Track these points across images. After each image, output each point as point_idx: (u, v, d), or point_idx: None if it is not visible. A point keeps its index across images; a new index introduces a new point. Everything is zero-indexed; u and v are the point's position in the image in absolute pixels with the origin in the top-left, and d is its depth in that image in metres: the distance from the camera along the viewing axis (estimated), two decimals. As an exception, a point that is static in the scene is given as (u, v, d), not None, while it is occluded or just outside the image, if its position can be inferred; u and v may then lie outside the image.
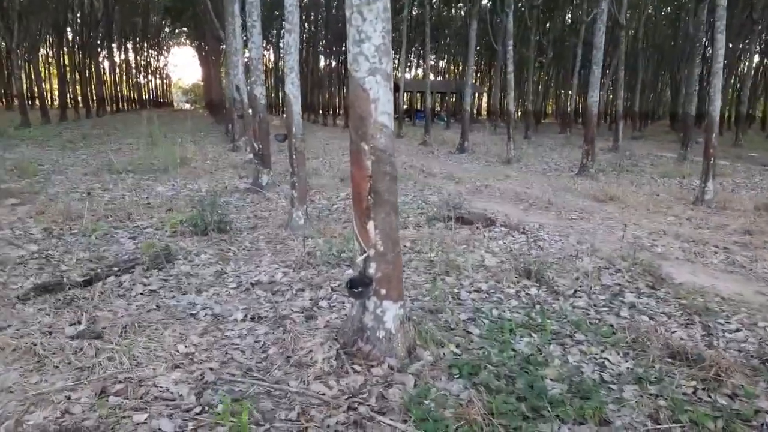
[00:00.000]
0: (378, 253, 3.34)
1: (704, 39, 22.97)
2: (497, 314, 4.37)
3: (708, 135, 9.84)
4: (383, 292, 3.38)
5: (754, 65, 32.58)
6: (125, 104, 51.45)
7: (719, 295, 4.87)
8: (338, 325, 3.87)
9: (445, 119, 37.20)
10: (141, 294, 4.44)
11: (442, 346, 3.59)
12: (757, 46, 30.96)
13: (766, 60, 36.96)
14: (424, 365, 3.34)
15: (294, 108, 6.50)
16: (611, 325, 4.17)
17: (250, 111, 11.24)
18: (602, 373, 3.43)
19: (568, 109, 36.53)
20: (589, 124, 13.01)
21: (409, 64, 45.63)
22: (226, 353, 3.50)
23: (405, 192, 9.82)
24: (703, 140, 10.04)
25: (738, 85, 33.62)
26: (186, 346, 3.54)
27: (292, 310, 4.23)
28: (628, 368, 3.47)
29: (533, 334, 3.97)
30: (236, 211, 7.92)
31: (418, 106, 45.65)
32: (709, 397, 3.14)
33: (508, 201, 9.94)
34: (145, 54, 58.50)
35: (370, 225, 3.30)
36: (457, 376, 3.25)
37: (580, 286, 5.00)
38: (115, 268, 4.82)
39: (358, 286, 3.36)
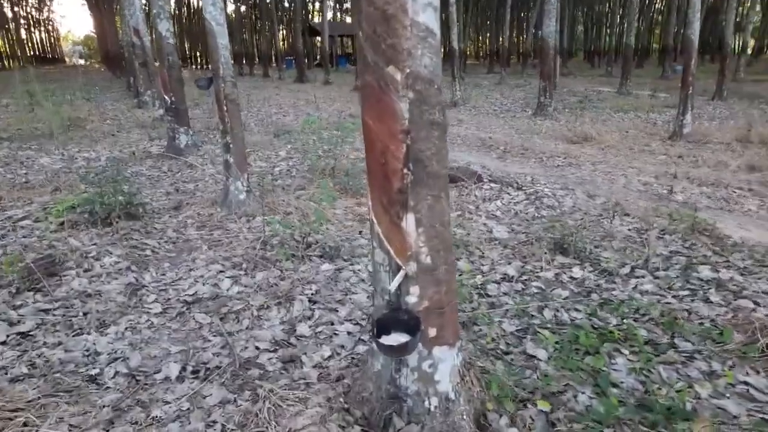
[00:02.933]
0: (423, 268, 1.86)
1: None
2: (551, 316, 3.07)
3: (687, 62, 8.88)
4: (432, 333, 1.94)
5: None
6: (3, 62, 45.19)
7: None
8: (343, 374, 2.40)
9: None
10: (2, 345, 2.73)
11: (524, 403, 2.22)
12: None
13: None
14: (510, 450, 1.97)
15: (219, 41, 4.70)
16: (713, 321, 2.97)
17: (156, 59, 9.09)
18: (763, 415, 2.21)
19: (499, 47, 35.46)
20: (545, 59, 11.82)
21: (330, 5, 42.60)
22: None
23: (359, 147, 8.26)
24: (682, 67, 9.10)
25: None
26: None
27: (257, 347, 2.70)
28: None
29: (623, 349, 2.70)
30: (150, 186, 6.08)
31: (339, 52, 43.08)
32: None
33: (476, 149, 8.63)
34: (25, 4, 51.42)
35: (409, 220, 1.80)
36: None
37: (635, 261, 3.76)
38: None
39: (394, 331, 1.89)
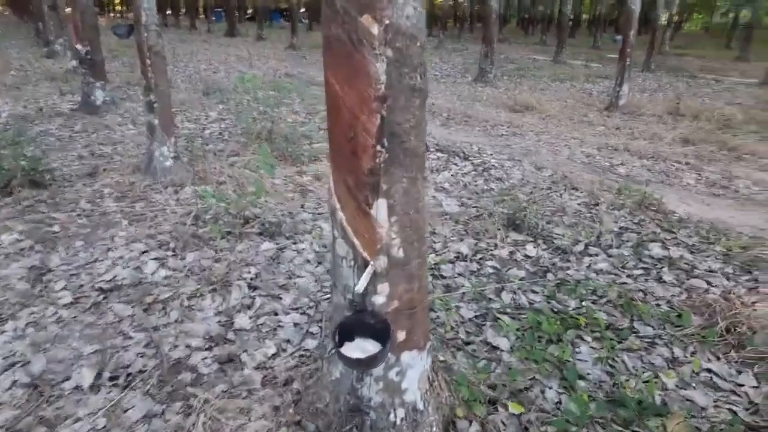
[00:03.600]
0: (394, 262, 1.58)
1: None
2: (509, 299, 2.90)
3: (626, 33, 8.92)
4: (401, 336, 1.68)
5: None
6: None
7: (741, 233, 3.85)
8: (291, 377, 2.11)
9: (304, 20, 33.80)
10: None
11: (494, 405, 2.02)
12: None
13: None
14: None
15: (138, -17, 4.09)
16: (669, 302, 2.91)
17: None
18: (734, 407, 2.14)
19: (436, 11, 34.97)
20: (488, 24, 11.62)
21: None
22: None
23: (298, 110, 7.77)
24: (621, 38, 9.14)
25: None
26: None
27: (189, 345, 2.35)
28: (757, 390, 2.23)
29: (585, 336, 2.57)
30: (60, 148, 5.39)
31: (273, 6, 41.09)
32: None
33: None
34: None
35: (380, 207, 1.51)
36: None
37: (587, 238, 3.67)
38: None
39: (358, 336, 1.61)
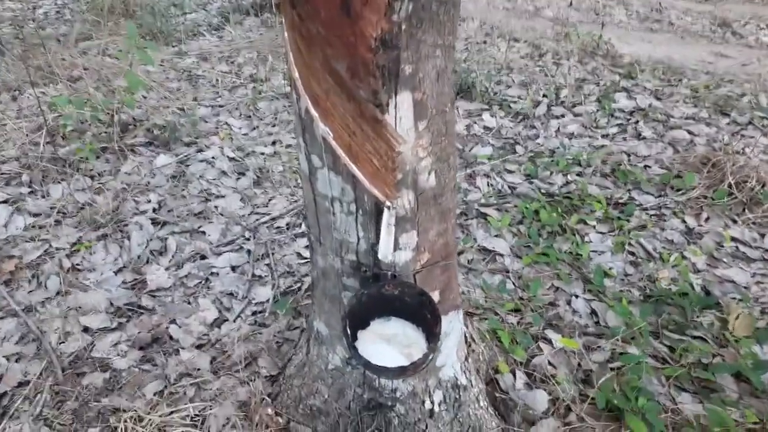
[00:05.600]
0: (426, 196, 0.95)
1: None
2: (486, 186, 2.41)
3: None
4: (435, 298, 1.09)
5: None
6: None
7: (696, 69, 3.54)
8: (252, 352, 1.50)
9: None
10: None
11: (536, 342, 1.56)
12: None
13: None
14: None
15: None
16: (658, 162, 2.56)
17: None
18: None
19: None
20: None
21: None
22: None
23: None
24: None
25: None
26: None
27: (87, 329, 1.63)
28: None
29: (588, 220, 2.15)
30: None
31: None
32: None
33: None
34: None
35: (402, 104, 0.83)
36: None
37: (547, 98, 3.17)
38: None
39: (379, 318, 1.00)
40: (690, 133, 2.76)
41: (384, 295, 0.98)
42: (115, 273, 1.81)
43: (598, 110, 3.02)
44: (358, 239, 0.97)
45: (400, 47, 0.79)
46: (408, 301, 0.98)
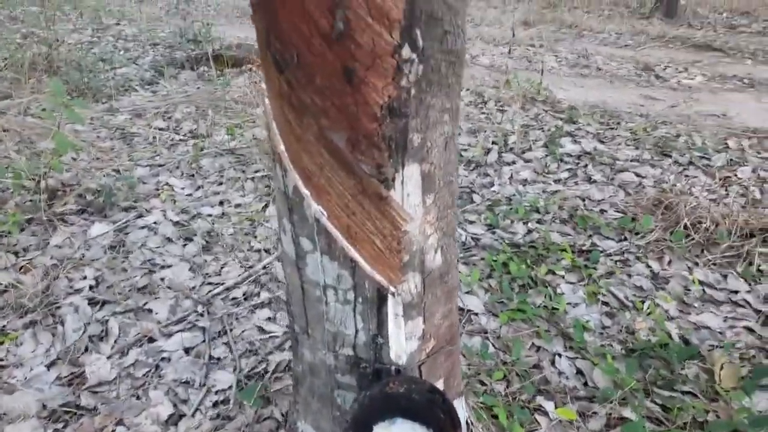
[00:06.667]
0: (432, 277, 0.83)
1: None
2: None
3: None
4: (439, 385, 0.96)
5: None
6: None
7: (630, 112, 3.70)
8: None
9: None
10: None
11: (532, 413, 1.45)
12: None
13: None
14: None
15: None
16: (612, 205, 2.59)
17: None
18: (746, 322, 1.87)
19: None
20: None
21: None
22: None
23: (76, 29, 5.99)
24: None
25: None
26: None
27: (16, 441, 1.38)
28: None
29: (556, 270, 2.11)
30: None
31: None
32: None
33: (238, 20, 7.03)
34: None
35: (410, 178, 0.73)
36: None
37: (496, 145, 3.19)
38: None
39: (382, 420, 0.86)
40: (637, 175, 2.83)
41: (388, 395, 0.85)
42: (48, 367, 1.57)
43: (546, 155, 3.06)
44: (356, 331, 0.84)
45: (408, 115, 0.69)
46: (416, 398, 0.86)
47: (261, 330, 1.77)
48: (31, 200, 2.36)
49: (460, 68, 0.75)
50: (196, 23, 5.79)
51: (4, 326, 1.70)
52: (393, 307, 0.79)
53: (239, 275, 2.04)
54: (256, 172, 2.90)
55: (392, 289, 0.79)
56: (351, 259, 0.78)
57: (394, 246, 0.77)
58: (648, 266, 2.16)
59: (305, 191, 0.77)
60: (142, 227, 2.31)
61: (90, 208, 2.39)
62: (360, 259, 0.78)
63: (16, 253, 2.05)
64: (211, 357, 1.64)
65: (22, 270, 1.96)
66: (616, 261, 2.18)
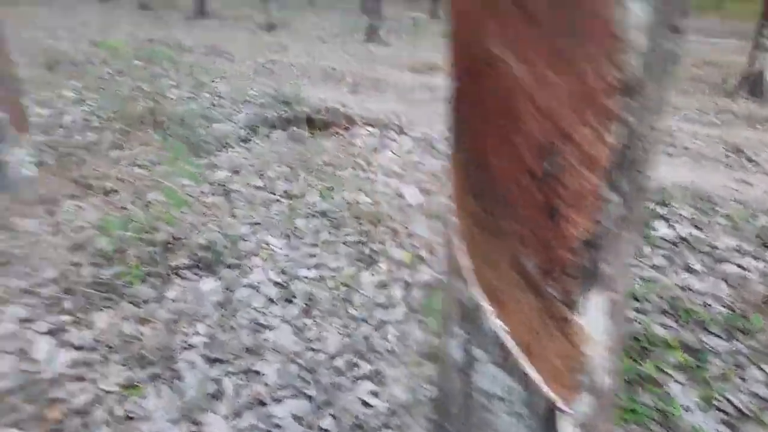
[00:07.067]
0: (600, 396, 0.85)
1: None
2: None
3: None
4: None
5: None
6: None
7: (723, 197, 3.59)
8: None
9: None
10: None
11: None
12: None
13: None
14: None
15: None
16: (717, 298, 2.49)
17: None
18: None
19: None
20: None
21: None
22: None
23: (176, 84, 6.48)
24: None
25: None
26: None
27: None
28: None
29: (664, 368, 2.04)
30: None
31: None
32: None
33: (322, 82, 7.42)
34: None
35: (595, 306, 0.75)
36: None
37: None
38: None
39: None
40: (740, 266, 2.73)
41: None
42: (172, 423, 1.65)
43: (642, 239, 3.00)
44: (525, 445, 0.86)
45: (602, 247, 0.73)
46: None
47: (365, 404, 1.80)
48: (147, 252, 2.53)
49: (644, 203, 0.79)
50: (287, 84, 6.15)
51: (129, 377, 1.81)
52: (565, 425, 0.81)
53: (340, 342, 2.09)
54: (347, 235, 2.99)
55: (565, 408, 0.81)
56: (525, 374, 0.81)
57: (572, 367, 0.80)
58: (763, 371, 2.05)
59: (488, 307, 0.81)
60: (246, 285, 2.42)
61: (200, 264, 2.53)
62: (536, 375, 0.81)
63: (137, 304, 2.19)
64: (320, 429, 1.68)
65: (142, 322, 2.09)
66: (727, 363, 2.09)
